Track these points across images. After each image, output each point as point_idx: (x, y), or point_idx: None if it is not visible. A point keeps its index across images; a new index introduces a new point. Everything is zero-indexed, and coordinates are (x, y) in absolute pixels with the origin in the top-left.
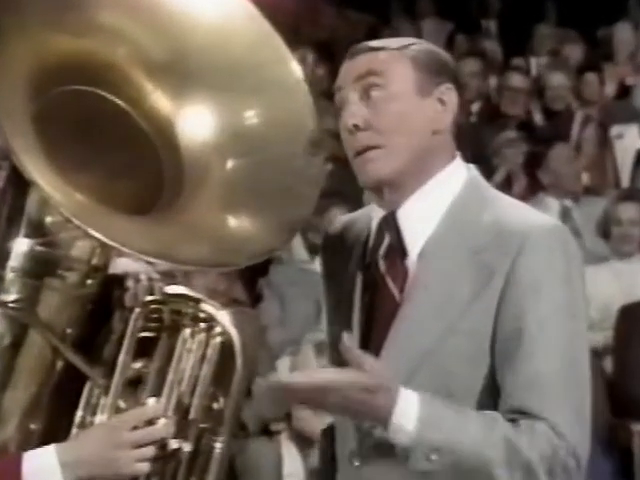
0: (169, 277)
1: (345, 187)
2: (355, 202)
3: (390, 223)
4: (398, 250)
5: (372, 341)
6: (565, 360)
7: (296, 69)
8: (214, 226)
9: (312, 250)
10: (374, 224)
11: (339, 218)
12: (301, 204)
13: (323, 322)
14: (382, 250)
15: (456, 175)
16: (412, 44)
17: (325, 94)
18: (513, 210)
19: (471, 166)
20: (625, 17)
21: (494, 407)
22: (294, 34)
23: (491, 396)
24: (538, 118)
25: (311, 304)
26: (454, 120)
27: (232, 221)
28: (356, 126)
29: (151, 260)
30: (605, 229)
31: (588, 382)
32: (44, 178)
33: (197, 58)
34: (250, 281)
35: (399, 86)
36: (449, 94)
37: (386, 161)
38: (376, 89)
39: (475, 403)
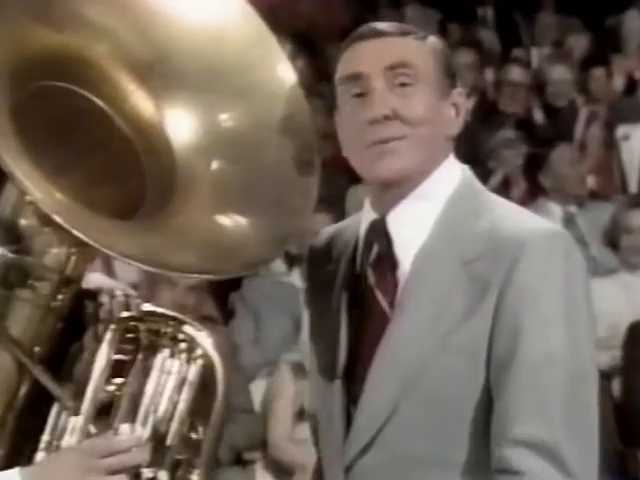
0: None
1: (328, 192)
2: (339, 209)
3: (379, 229)
4: (388, 260)
5: (360, 360)
6: (568, 380)
7: (289, 71)
8: (205, 232)
9: (290, 261)
10: (362, 231)
11: (324, 229)
12: (294, 215)
13: (302, 340)
14: (371, 260)
15: (449, 176)
16: (427, 36)
17: (305, 89)
18: (510, 215)
19: (465, 167)
20: (635, 4)
21: (489, 427)
22: (270, 24)
23: (486, 418)
24: (539, 116)
25: (288, 321)
26: None
27: (224, 228)
28: (387, 117)
29: (137, 265)
30: (613, 238)
31: (595, 401)
32: (23, 173)
33: (182, 57)
34: (221, 296)
35: (426, 82)
36: (462, 100)
37: (409, 153)
38: (406, 78)
39: (469, 425)
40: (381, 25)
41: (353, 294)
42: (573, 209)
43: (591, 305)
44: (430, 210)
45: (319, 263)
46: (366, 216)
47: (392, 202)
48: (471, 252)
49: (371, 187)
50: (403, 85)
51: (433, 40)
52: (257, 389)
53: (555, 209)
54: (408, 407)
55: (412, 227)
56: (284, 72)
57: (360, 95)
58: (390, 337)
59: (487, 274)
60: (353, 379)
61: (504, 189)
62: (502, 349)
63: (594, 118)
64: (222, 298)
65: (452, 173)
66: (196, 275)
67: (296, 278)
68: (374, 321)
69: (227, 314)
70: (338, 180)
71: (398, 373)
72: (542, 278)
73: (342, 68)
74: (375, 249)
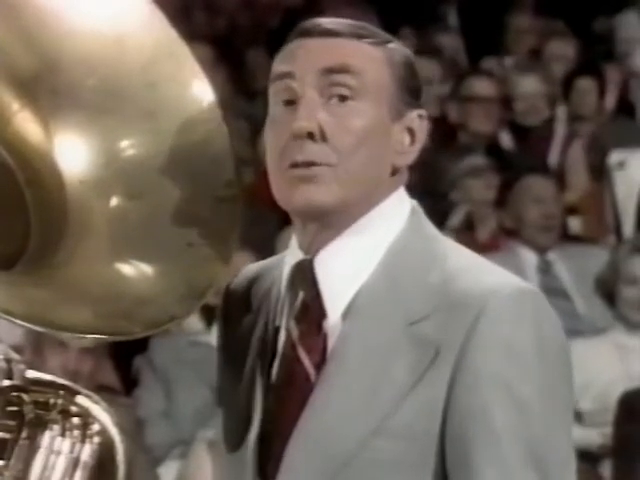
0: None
1: (257, 234)
2: (269, 255)
3: (305, 273)
4: (315, 311)
5: (278, 434)
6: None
7: (205, 87)
8: (100, 284)
9: (208, 317)
10: (285, 274)
11: (245, 268)
12: (209, 262)
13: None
14: (295, 310)
15: (396, 212)
16: (388, 42)
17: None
18: (467, 266)
19: (415, 203)
20: (631, 5)
21: None
22: (183, 25)
23: None
24: (505, 138)
25: (206, 390)
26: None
27: (123, 279)
28: (311, 134)
29: (18, 322)
30: (607, 290)
31: None
32: None
33: (75, 68)
34: (123, 360)
35: (373, 97)
36: (421, 124)
37: (332, 186)
38: (345, 90)
39: None
40: (329, 22)
41: (273, 352)
42: (552, 256)
43: (572, 381)
44: (369, 252)
45: (235, 312)
46: (291, 256)
47: (321, 240)
48: (418, 310)
49: (296, 220)
50: (341, 99)
51: (393, 47)
52: (167, 473)
53: (528, 256)
54: None
55: (344, 272)
56: (199, 88)
57: (291, 103)
58: (312, 412)
59: (437, 338)
60: (268, 458)
61: (468, 230)
62: (458, 448)
63: (573, 137)
64: (124, 363)
65: (400, 209)
66: (89, 336)
67: (215, 337)
68: (295, 386)
69: (130, 382)
70: (268, 218)
71: (318, 459)
72: (507, 355)
73: (275, 66)
74: (300, 297)
